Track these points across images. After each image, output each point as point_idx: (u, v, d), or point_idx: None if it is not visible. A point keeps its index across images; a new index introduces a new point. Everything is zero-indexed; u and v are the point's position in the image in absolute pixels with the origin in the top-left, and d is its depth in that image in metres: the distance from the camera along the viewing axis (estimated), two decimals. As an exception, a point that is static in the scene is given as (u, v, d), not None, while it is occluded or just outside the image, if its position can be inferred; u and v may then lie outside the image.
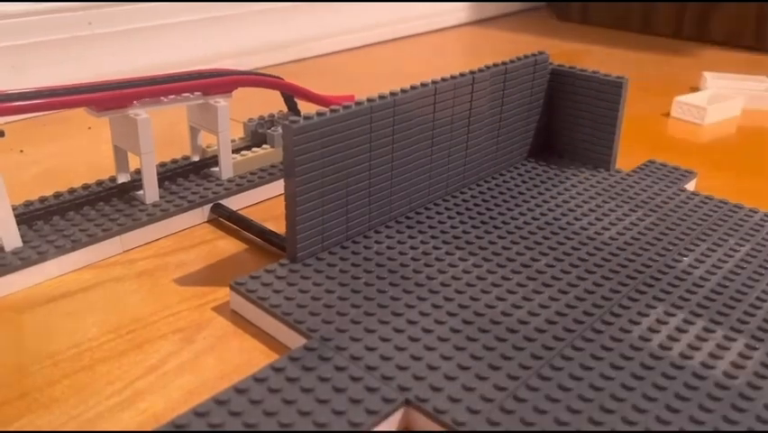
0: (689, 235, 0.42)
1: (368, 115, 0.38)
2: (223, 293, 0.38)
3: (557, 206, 0.45)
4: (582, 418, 0.27)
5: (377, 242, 0.40)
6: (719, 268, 0.38)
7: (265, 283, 0.35)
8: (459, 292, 0.35)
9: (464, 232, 0.41)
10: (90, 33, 0.67)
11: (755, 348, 0.32)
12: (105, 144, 0.47)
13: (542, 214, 0.44)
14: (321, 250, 0.38)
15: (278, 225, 0.43)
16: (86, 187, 0.46)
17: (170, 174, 0.48)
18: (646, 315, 0.34)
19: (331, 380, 0.29)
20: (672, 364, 0.30)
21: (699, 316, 0.34)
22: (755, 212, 0.45)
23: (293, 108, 0.54)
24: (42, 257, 0.38)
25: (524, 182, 0.49)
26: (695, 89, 0.77)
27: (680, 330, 0.33)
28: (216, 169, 0.48)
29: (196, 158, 0.50)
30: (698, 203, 0.46)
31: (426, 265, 0.38)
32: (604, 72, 0.50)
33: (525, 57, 0.49)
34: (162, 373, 0.32)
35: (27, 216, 0.41)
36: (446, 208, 0.44)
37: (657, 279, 0.37)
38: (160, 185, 0.45)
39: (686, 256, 0.39)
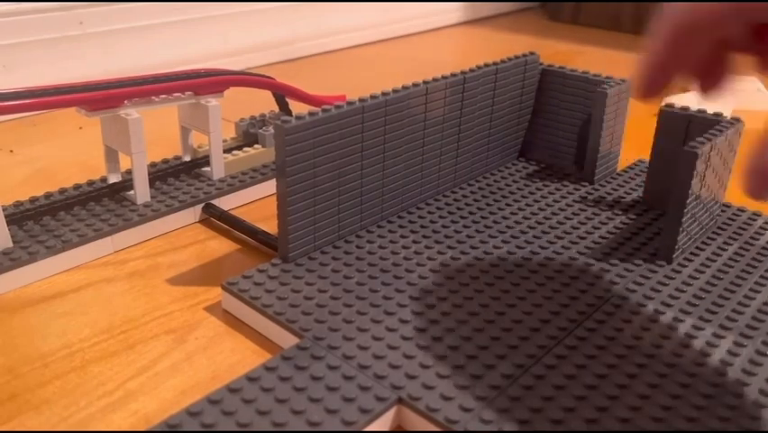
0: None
1: (359, 115, 0.38)
2: (215, 293, 0.37)
3: (548, 205, 0.46)
4: (576, 416, 0.27)
5: (369, 241, 0.40)
6: (708, 267, 0.39)
7: (257, 283, 0.35)
8: (452, 291, 0.35)
9: (456, 231, 0.42)
10: (81, 33, 0.67)
11: (744, 346, 0.32)
12: (95, 144, 0.47)
13: (533, 213, 0.44)
14: (313, 249, 0.38)
15: (270, 225, 0.43)
16: (76, 187, 0.45)
17: (162, 174, 0.48)
18: (638, 313, 0.34)
19: (324, 379, 0.29)
20: (664, 363, 0.31)
21: (688, 314, 0.34)
22: (743, 211, 0.45)
23: (284, 108, 0.54)
24: (33, 258, 0.38)
25: (515, 182, 0.49)
26: (685, 89, 0.77)
27: (670, 328, 0.33)
28: (208, 169, 0.48)
29: (187, 158, 0.50)
30: (687, 202, 0.46)
31: (419, 264, 0.38)
32: (594, 72, 0.50)
33: (516, 57, 0.49)
34: (154, 373, 0.32)
35: (17, 217, 0.41)
36: (438, 208, 0.44)
37: (647, 277, 0.37)
38: (152, 185, 0.45)
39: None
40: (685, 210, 0.37)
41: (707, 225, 0.42)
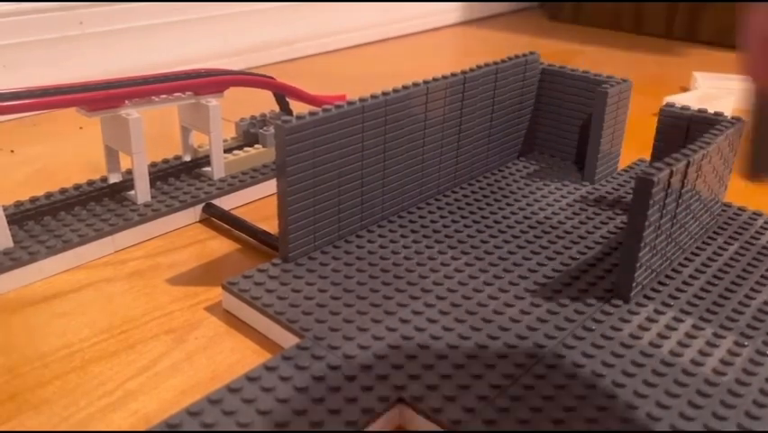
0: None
1: (360, 115, 0.38)
2: (215, 293, 0.37)
3: (548, 204, 0.46)
4: (576, 415, 0.27)
5: (369, 241, 0.40)
6: (708, 267, 0.39)
7: (257, 283, 0.35)
8: (451, 291, 0.35)
9: (456, 231, 0.42)
10: (81, 33, 0.67)
11: (744, 345, 0.32)
12: (96, 144, 0.47)
13: (533, 213, 0.44)
14: (313, 249, 0.38)
15: (270, 225, 0.43)
16: (77, 187, 0.45)
17: (162, 174, 0.48)
18: (636, 313, 0.34)
19: (325, 379, 0.29)
20: (662, 362, 0.31)
21: (688, 314, 0.34)
22: (743, 211, 0.45)
23: (285, 108, 0.54)
24: (33, 258, 0.38)
25: (515, 181, 0.49)
26: (686, 89, 0.77)
27: (669, 328, 0.33)
28: (208, 168, 0.48)
29: (187, 158, 0.50)
30: (688, 202, 0.46)
31: (419, 264, 0.38)
32: (595, 72, 0.50)
33: (516, 57, 0.49)
34: (154, 373, 0.32)
35: (18, 217, 0.41)
36: (438, 207, 0.44)
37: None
38: (152, 185, 0.45)
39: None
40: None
41: (707, 224, 0.42)
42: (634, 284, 0.34)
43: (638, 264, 0.34)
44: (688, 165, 0.35)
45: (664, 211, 0.34)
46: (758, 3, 0.27)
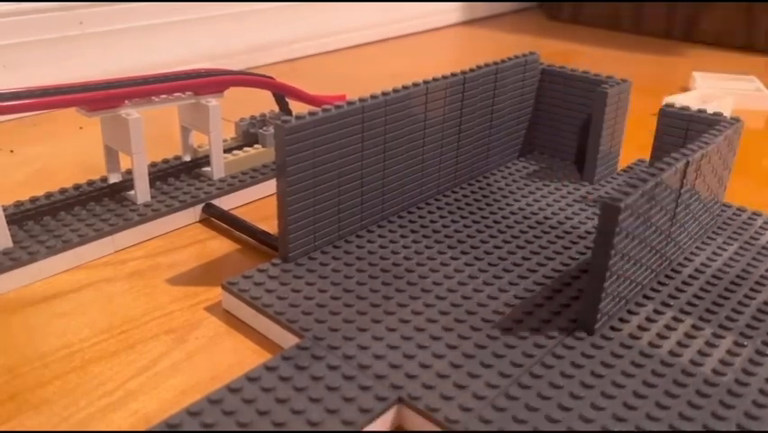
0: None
1: (359, 115, 0.38)
2: (215, 293, 0.38)
3: (548, 204, 0.46)
4: (573, 415, 0.28)
5: (369, 241, 0.40)
6: (708, 267, 0.39)
7: (257, 283, 0.35)
8: (451, 291, 0.35)
9: (456, 231, 0.42)
10: (81, 33, 0.67)
11: (743, 345, 0.32)
12: (95, 144, 0.47)
13: (532, 213, 0.44)
14: (313, 249, 0.38)
15: (270, 225, 0.43)
16: (77, 187, 0.45)
17: (162, 174, 0.48)
18: (636, 313, 0.34)
19: (324, 379, 0.29)
20: (661, 362, 0.31)
21: (688, 314, 0.34)
22: (743, 211, 0.45)
23: (284, 108, 0.54)
24: (33, 258, 0.38)
25: (514, 181, 0.49)
26: (685, 89, 0.77)
27: (669, 328, 0.33)
28: (208, 168, 0.48)
29: (187, 158, 0.50)
30: (687, 202, 0.46)
31: (418, 264, 0.38)
32: (594, 72, 0.50)
33: (516, 57, 0.49)
34: (154, 373, 0.32)
35: (18, 217, 0.41)
36: (438, 207, 0.44)
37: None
38: (152, 185, 0.45)
39: None
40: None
41: (706, 224, 0.42)
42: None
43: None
44: (687, 165, 0.35)
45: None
46: None
